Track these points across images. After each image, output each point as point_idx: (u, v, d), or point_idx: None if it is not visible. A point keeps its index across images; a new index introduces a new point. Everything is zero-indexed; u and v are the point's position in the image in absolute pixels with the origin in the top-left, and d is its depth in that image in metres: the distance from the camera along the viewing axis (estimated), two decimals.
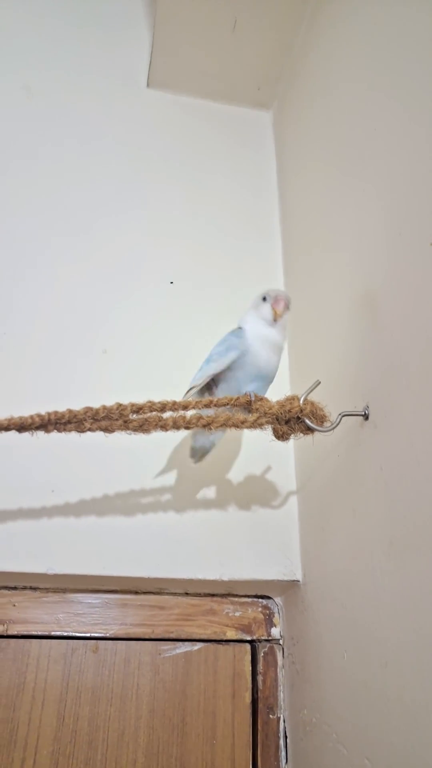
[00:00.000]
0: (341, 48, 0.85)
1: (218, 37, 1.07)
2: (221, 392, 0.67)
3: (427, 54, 0.59)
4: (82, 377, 0.83)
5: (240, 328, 0.71)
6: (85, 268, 0.93)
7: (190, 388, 0.67)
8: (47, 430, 0.52)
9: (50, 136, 1.03)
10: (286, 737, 0.76)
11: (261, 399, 0.61)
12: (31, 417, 0.51)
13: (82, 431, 0.53)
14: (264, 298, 0.71)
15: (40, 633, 0.74)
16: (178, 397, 0.74)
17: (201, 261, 1.00)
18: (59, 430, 0.52)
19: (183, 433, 0.79)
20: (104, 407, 0.54)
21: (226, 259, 1.01)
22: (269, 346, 0.69)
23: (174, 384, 0.84)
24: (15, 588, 0.76)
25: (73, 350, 0.85)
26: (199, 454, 0.74)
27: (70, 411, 0.53)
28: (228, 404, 0.60)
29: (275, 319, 0.68)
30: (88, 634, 0.76)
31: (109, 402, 0.63)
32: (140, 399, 0.67)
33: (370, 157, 0.70)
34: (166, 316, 0.92)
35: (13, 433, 0.55)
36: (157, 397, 0.82)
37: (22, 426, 0.50)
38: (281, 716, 0.78)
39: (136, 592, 0.79)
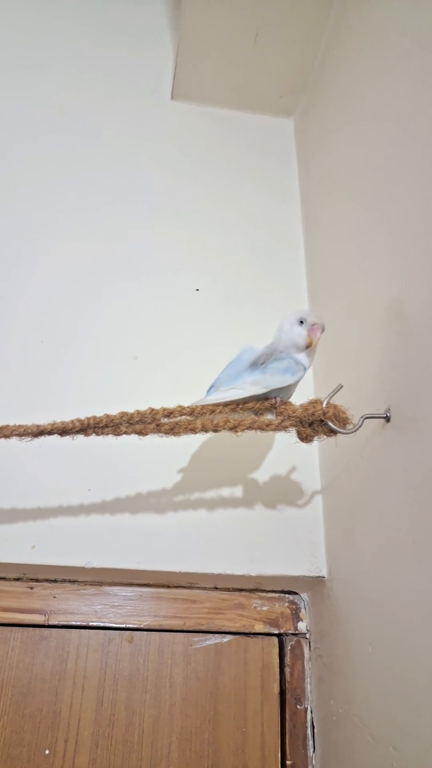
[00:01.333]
0: (365, 56, 0.86)
1: (241, 49, 1.10)
2: None
3: None
4: (116, 382, 0.88)
5: (280, 351, 0.69)
6: (116, 278, 0.98)
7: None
8: (86, 434, 0.56)
9: (81, 152, 1.08)
10: (313, 727, 0.79)
11: (285, 403, 0.64)
12: (72, 422, 0.55)
13: (119, 434, 0.58)
14: (301, 322, 0.68)
15: (79, 623, 0.79)
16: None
17: (226, 267, 1.03)
18: (97, 434, 0.57)
19: (213, 435, 0.82)
20: (138, 412, 0.58)
21: (250, 266, 1.04)
22: (303, 373, 0.67)
23: (201, 388, 0.88)
24: (55, 581, 0.81)
25: (107, 357, 0.89)
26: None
27: (107, 416, 0.57)
28: (253, 408, 0.63)
29: (308, 346, 0.67)
30: (123, 625, 0.80)
31: (141, 405, 0.67)
32: (169, 401, 0.71)
33: (398, 168, 0.71)
34: (192, 323, 0.96)
35: (53, 437, 0.59)
36: (185, 400, 0.87)
37: (63, 430, 0.55)
38: (309, 707, 0.80)
39: (168, 586, 0.83)
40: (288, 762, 0.77)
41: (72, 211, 1.02)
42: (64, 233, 1.00)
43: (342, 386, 0.65)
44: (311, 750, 0.78)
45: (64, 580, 0.81)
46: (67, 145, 1.08)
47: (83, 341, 0.90)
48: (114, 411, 0.69)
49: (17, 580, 0.80)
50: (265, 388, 0.65)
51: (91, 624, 0.79)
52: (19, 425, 0.54)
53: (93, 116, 1.12)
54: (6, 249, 0.96)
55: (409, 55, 0.71)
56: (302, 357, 0.68)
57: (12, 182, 1.02)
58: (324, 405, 0.63)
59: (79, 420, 0.56)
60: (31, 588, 0.80)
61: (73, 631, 0.79)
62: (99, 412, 0.68)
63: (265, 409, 0.64)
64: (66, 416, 0.66)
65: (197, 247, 1.04)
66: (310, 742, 0.79)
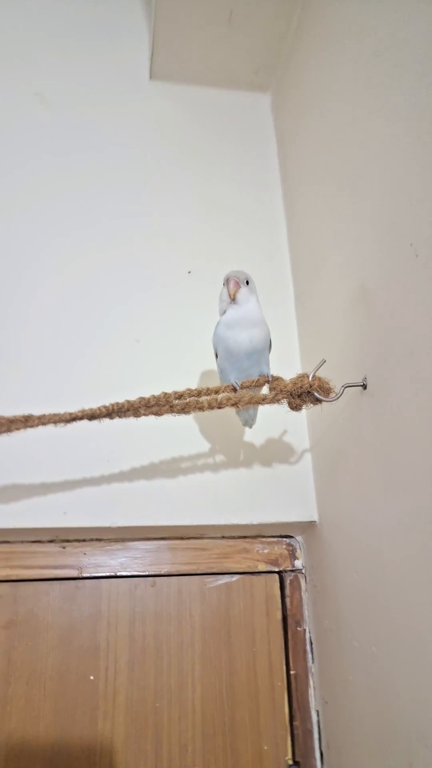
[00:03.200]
0: (334, 31, 0.90)
1: (215, 29, 1.13)
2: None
3: (419, 36, 0.64)
4: (122, 365, 0.97)
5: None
6: (110, 265, 1.03)
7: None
8: (111, 418, 0.66)
9: (61, 136, 1.10)
10: (311, 643, 0.94)
11: (277, 378, 0.75)
12: (99, 408, 0.65)
13: (138, 417, 0.68)
14: (224, 284, 0.77)
15: (108, 574, 0.92)
16: (204, 377, 0.88)
17: (214, 247, 1.09)
18: (120, 417, 0.67)
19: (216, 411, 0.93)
20: (153, 396, 0.68)
21: (235, 243, 1.10)
22: (235, 326, 0.74)
23: (200, 365, 0.98)
24: (84, 540, 0.93)
25: (111, 341, 0.98)
26: (249, 422, 0.87)
27: (128, 401, 0.67)
28: (251, 386, 0.74)
29: (231, 298, 0.75)
30: (146, 573, 0.93)
31: (147, 386, 0.77)
32: (172, 380, 0.82)
33: (365, 149, 0.77)
34: (186, 305, 1.04)
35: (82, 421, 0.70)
36: (187, 378, 0.97)
37: (92, 416, 0.65)
38: (306, 628, 0.96)
39: (182, 538, 0.96)
40: (292, 672, 0.93)
41: (54, 199, 1.05)
42: (47, 224, 1.03)
43: (325, 361, 0.76)
44: (311, 661, 0.94)
45: (91, 539, 0.93)
46: (48, 131, 1.10)
47: (91, 330, 0.98)
48: (122, 391, 0.80)
49: (51, 542, 0.92)
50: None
51: (118, 574, 0.92)
52: (54, 414, 0.64)
53: (72, 100, 1.14)
54: None
55: (377, 30, 0.74)
56: (236, 312, 0.75)
57: None
58: (310, 378, 0.74)
59: (104, 407, 0.66)
60: (64, 548, 0.92)
61: (104, 580, 0.92)
62: (110, 394, 0.78)
63: (260, 385, 0.74)
64: (81, 397, 0.76)
65: (182, 225, 1.09)
66: (309, 656, 0.94)
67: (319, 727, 0.90)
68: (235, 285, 0.74)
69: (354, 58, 0.82)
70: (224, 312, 0.77)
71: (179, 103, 1.22)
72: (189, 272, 1.07)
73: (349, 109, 0.84)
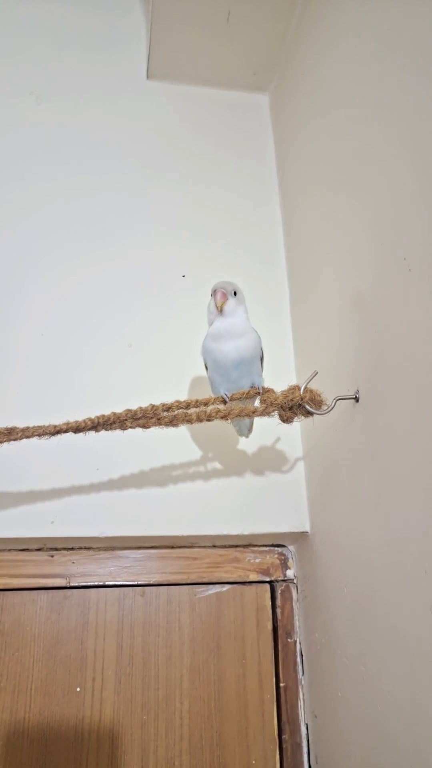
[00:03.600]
0: (333, 32, 0.88)
1: (213, 27, 1.11)
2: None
3: (419, 37, 0.62)
4: (113, 370, 0.95)
5: None
6: (103, 267, 1.02)
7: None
8: (97, 430, 0.65)
9: (56, 136, 1.09)
10: (302, 655, 0.93)
11: (267, 390, 0.73)
12: (84, 421, 0.64)
13: (125, 429, 0.66)
14: (211, 295, 0.76)
15: (96, 583, 0.91)
16: (198, 384, 0.87)
17: (209, 251, 1.08)
18: (106, 429, 0.65)
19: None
20: (141, 408, 0.67)
21: (231, 246, 1.09)
22: (220, 338, 0.73)
23: (194, 371, 0.97)
24: (72, 549, 0.92)
25: (103, 346, 0.97)
26: (244, 432, 0.85)
27: (114, 414, 0.66)
28: (241, 398, 0.72)
29: (219, 309, 0.74)
30: (135, 582, 0.92)
31: (140, 391, 0.75)
32: (166, 385, 0.80)
33: (364, 152, 0.75)
34: (181, 308, 1.02)
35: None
36: (181, 383, 0.95)
37: (77, 429, 0.63)
38: (297, 639, 0.94)
39: (173, 547, 0.95)
40: (282, 684, 0.92)
41: (47, 199, 1.04)
42: (39, 225, 1.02)
43: (317, 372, 0.74)
44: (301, 673, 0.92)
45: (80, 548, 0.92)
46: (44, 131, 1.09)
47: (81, 332, 0.97)
48: (113, 397, 0.78)
49: (39, 550, 0.91)
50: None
51: (107, 583, 0.91)
52: (38, 426, 0.63)
53: (69, 100, 1.13)
54: None
55: (380, 32, 0.72)
56: (222, 324, 0.75)
57: None
58: (302, 391, 0.72)
59: (90, 419, 0.64)
60: (52, 556, 0.91)
61: (92, 590, 0.91)
62: (102, 398, 0.76)
63: (251, 397, 0.73)
64: (72, 402, 0.75)
65: (180, 230, 1.08)
66: (300, 668, 0.93)
67: (308, 740, 0.88)
68: (222, 297, 0.74)
69: (353, 58, 0.80)
70: (212, 323, 0.75)
71: (176, 103, 1.20)
72: (183, 276, 1.05)
73: (347, 111, 0.82)
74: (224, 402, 0.71)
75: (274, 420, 0.82)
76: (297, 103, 1.07)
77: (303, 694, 0.91)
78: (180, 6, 1.07)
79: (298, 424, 0.97)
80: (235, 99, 1.23)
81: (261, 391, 0.73)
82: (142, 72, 1.20)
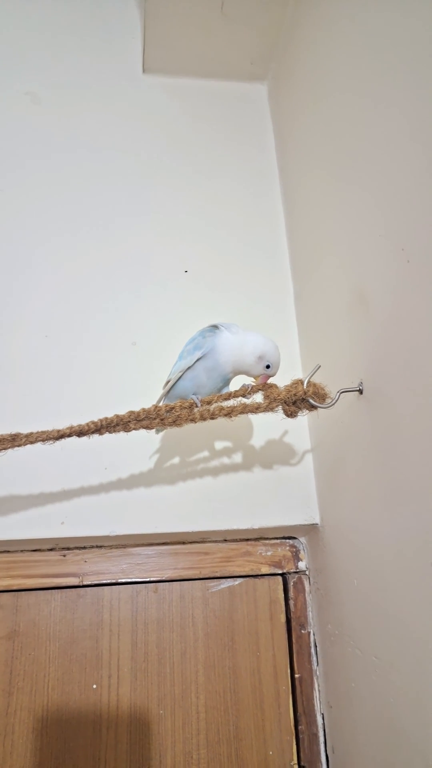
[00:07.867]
0: (331, 18, 0.87)
1: (208, 19, 1.09)
2: (188, 380, 0.75)
3: (417, 25, 0.61)
4: (119, 368, 0.95)
5: (217, 327, 0.76)
6: (103, 264, 1.01)
7: (167, 381, 0.77)
8: (101, 433, 0.65)
9: (53, 132, 1.08)
10: (316, 646, 0.93)
11: (271, 386, 0.73)
12: (87, 424, 0.64)
13: (128, 431, 0.67)
14: (267, 366, 0.73)
15: (109, 581, 0.92)
16: None
17: (211, 245, 1.07)
18: (110, 432, 0.66)
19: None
20: (144, 409, 0.67)
21: (234, 242, 1.08)
22: (232, 363, 0.73)
23: None
24: (84, 548, 0.93)
25: (107, 345, 0.97)
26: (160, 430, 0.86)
27: (117, 416, 0.66)
28: (244, 395, 0.72)
29: (258, 385, 0.73)
30: (148, 579, 0.93)
31: (143, 390, 0.75)
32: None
33: (363, 141, 0.73)
34: (184, 304, 1.02)
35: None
36: None
37: (81, 432, 0.64)
38: (311, 631, 0.95)
39: (184, 542, 0.95)
40: (296, 675, 0.92)
41: (46, 196, 1.03)
42: (38, 221, 1.02)
43: (320, 366, 0.74)
44: (315, 664, 0.93)
45: (92, 546, 0.93)
46: (39, 127, 1.08)
47: (86, 332, 0.97)
48: (117, 396, 0.78)
49: (51, 550, 0.92)
50: (178, 372, 0.74)
51: (120, 581, 0.92)
52: (42, 431, 0.63)
53: (64, 95, 1.12)
54: None
55: (378, 19, 0.70)
56: (222, 359, 0.73)
57: None
58: (305, 385, 0.72)
59: (93, 422, 0.64)
60: (64, 556, 0.92)
61: (105, 588, 0.92)
62: (106, 397, 0.76)
63: (254, 393, 0.73)
64: (77, 403, 0.75)
65: (181, 225, 1.07)
66: (314, 659, 0.93)
67: (324, 731, 0.89)
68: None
69: (351, 44, 0.78)
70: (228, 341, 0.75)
71: (174, 96, 1.18)
72: (186, 271, 1.05)
73: (346, 98, 0.80)
74: (195, 406, 0.70)
75: (280, 414, 0.82)
76: (296, 91, 1.05)
77: (318, 685, 0.92)
78: None
79: (306, 417, 0.96)
80: (232, 89, 1.21)
81: (250, 389, 0.73)
82: (138, 66, 1.19)
